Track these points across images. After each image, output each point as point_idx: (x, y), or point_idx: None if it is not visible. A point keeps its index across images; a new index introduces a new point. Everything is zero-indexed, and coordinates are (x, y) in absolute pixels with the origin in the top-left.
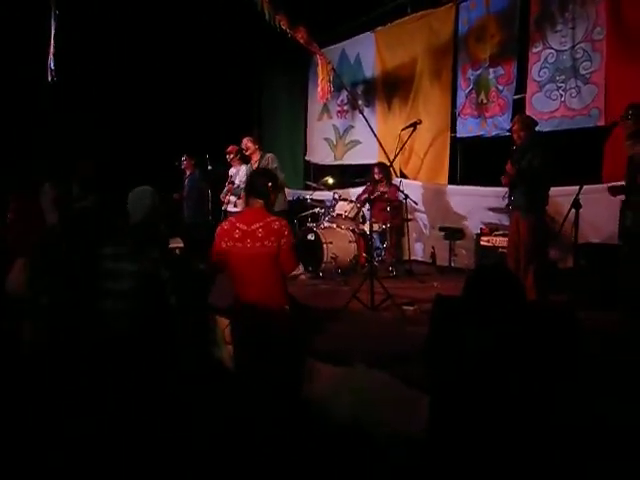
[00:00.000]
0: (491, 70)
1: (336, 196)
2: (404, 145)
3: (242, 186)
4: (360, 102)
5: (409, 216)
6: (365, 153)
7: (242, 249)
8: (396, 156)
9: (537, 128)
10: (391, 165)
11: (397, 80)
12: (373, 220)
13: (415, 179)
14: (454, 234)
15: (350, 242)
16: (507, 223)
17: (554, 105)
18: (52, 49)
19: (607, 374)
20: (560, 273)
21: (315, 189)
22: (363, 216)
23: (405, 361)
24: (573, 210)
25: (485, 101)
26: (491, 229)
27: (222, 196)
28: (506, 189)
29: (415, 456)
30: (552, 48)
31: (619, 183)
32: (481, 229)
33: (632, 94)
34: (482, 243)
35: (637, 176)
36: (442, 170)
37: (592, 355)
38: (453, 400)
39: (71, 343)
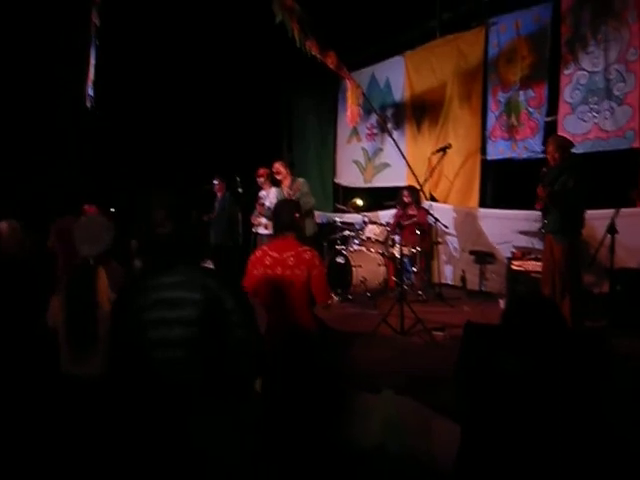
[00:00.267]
0: (522, 92)
1: (365, 219)
2: (434, 169)
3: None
4: (389, 125)
5: (439, 239)
6: (394, 176)
7: (272, 276)
8: (426, 180)
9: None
10: (421, 188)
11: (426, 103)
12: (403, 243)
13: (445, 202)
14: (485, 258)
15: (379, 265)
16: (539, 247)
17: (587, 127)
18: (91, 77)
19: None
20: (595, 299)
21: (344, 212)
22: (393, 239)
23: (435, 388)
24: (609, 235)
25: (516, 123)
26: (523, 253)
27: (252, 218)
28: (538, 212)
29: None
30: (584, 69)
31: None
32: (512, 253)
33: None
34: (514, 267)
35: None
36: (472, 193)
37: (625, 383)
38: (486, 430)
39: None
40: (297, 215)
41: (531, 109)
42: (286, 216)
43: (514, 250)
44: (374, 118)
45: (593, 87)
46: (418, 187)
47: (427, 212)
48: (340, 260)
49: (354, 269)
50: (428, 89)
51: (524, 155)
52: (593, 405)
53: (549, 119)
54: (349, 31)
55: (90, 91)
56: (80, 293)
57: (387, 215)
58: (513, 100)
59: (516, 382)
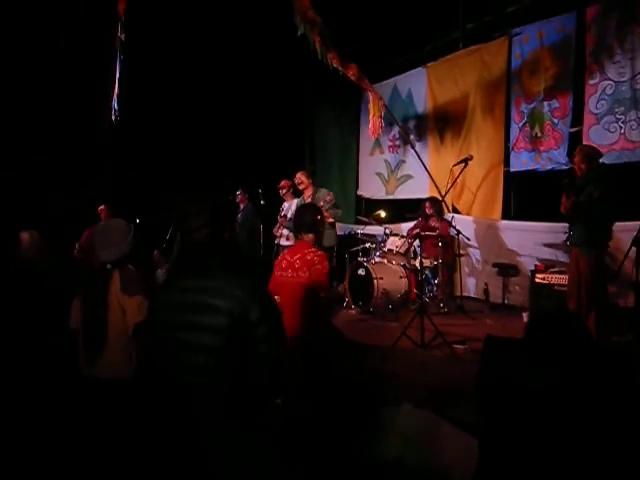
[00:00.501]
0: (546, 103)
1: (387, 231)
2: (455, 181)
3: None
4: (412, 137)
5: (461, 252)
6: (417, 188)
7: (285, 278)
8: (447, 192)
9: None
10: (443, 200)
11: (449, 114)
12: (424, 256)
13: (468, 214)
14: (508, 270)
15: (401, 278)
16: (563, 259)
17: (613, 138)
18: (116, 91)
19: None
20: (621, 313)
21: (366, 224)
22: (414, 251)
23: (455, 401)
24: (634, 247)
25: (540, 135)
26: (546, 266)
27: (275, 230)
28: (563, 224)
29: None
30: (610, 79)
31: None
32: (536, 266)
33: None
34: (537, 280)
35: None
36: (495, 205)
37: None
38: (505, 445)
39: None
40: (318, 218)
41: (555, 120)
42: (307, 217)
43: (537, 263)
44: (396, 130)
45: (619, 97)
46: (440, 199)
47: (449, 224)
48: (361, 272)
49: (375, 281)
50: (450, 100)
51: (548, 167)
52: (618, 422)
53: (574, 130)
54: (371, 43)
55: (115, 105)
56: (94, 296)
57: (409, 227)
58: (537, 111)
59: (537, 397)
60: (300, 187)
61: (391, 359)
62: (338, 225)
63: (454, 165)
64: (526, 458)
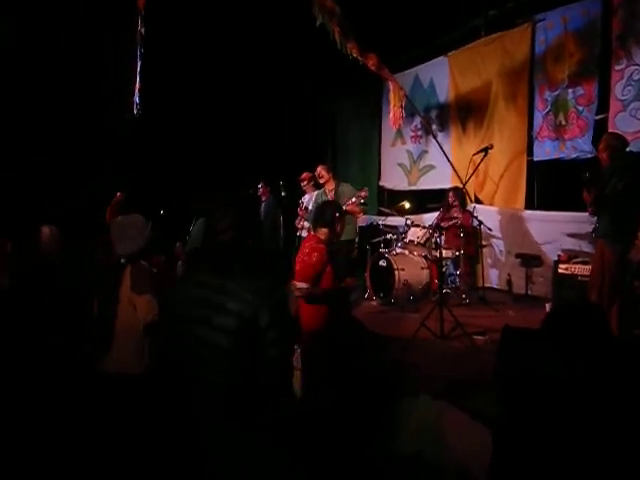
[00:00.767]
0: (570, 90)
1: (408, 222)
2: (476, 169)
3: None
4: (434, 127)
5: (484, 242)
6: (439, 178)
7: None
8: (468, 179)
9: None
10: (464, 188)
11: (471, 104)
12: (446, 246)
13: (490, 204)
14: (531, 261)
15: (422, 269)
16: (588, 250)
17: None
18: (138, 85)
19: None
20: None
21: (388, 215)
22: (436, 242)
23: (474, 393)
24: None
25: (564, 123)
26: (570, 256)
27: (296, 222)
28: (587, 214)
29: None
30: (637, 65)
31: None
32: (559, 256)
33: None
34: (560, 271)
35: None
36: (518, 195)
37: None
38: (522, 436)
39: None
40: (337, 215)
41: (580, 107)
42: (327, 213)
43: (561, 253)
44: (418, 120)
45: None
46: (463, 189)
47: (471, 214)
48: (382, 263)
49: (396, 272)
50: (473, 89)
51: (573, 155)
52: (637, 416)
53: (599, 117)
54: (392, 32)
55: (137, 99)
56: (106, 291)
57: (431, 218)
58: (561, 99)
59: (555, 388)
60: (321, 181)
61: (411, 350)
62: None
63: (474, 154)
64: (543, 450)
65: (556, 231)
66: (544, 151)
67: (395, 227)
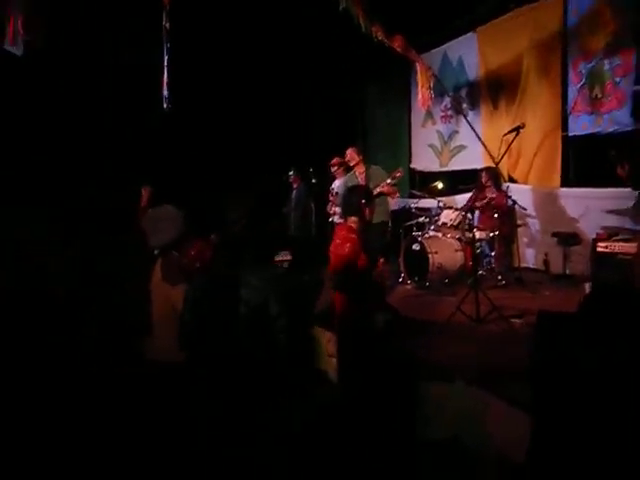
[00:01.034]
0: (606, 61)
1: (441, 204)
2: (508, 148)
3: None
4: (464, 106)
5: (519, 222)
6: (471, 158)
7: (330, 263)
8: (501, 159)
9: None
10: (497, 167)
11: (502, 80)
12: (481, 227)
13: (525, 183)
14: (568, 240)
15: (456, 251)
16: (629, 227)
17: None
18: (166, 79)
19: None
20: None
21: (420, 197)
22: (470, 224)
23: (509, 378)
24: None
25: (600, 95)
26: (609, 234)
27: (328, 208)
28: (627, 189)
29: None
30: None
31: None
32: (597, 234)
33: None
34: (599, 249)
35: None
36: (554, 172)
37: None
38: (559, 426)
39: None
40: (363, 202)
41: (617, 78)
42: (351, 200)
43: (600, 231)
44: (448, 99)
45: None
46: (496, 168)
47: (505, 194)
48: (416, 247)
49: (430, 256)
50: (503, 65)
51: (610, 129)
52: None
53: (638, 88)
54: (417, 11)
55: (166, 92)
56: (138, 282)
57: (464, 199)
58: (597, 70)
59: (591, 379)
60: (351, 164)
61: (446, 335)
62: (390, 200)
63: (505, 134)
64: (579, 441)
65: (594, 208)
66: (580, 126)
67: (428, 210)
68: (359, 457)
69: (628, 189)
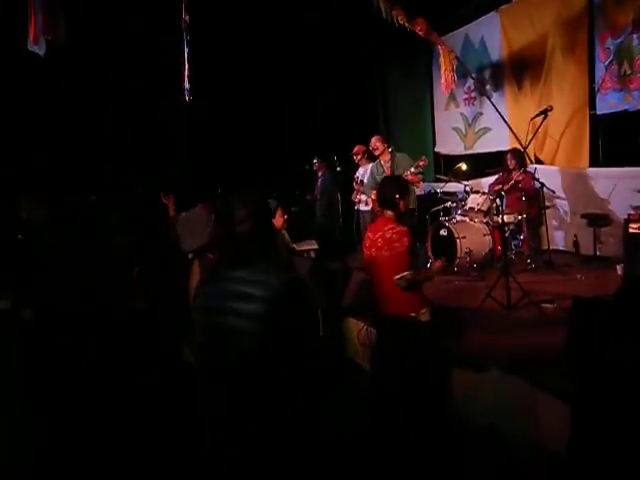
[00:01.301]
0: (635, 36)
1: (467, 189)
2: (537, 131)
3: (367, 184)
4: (488, 87)
5: (547, 203)
6: (496, 140)
7: (370, 257)
8: (529, 142)
9: None
10: (525, 150)
11: (526, 59)
12: (508, 211)
13: (552, 164)
14: (598, 221)
15: (484, 235)
16: None
17: None
18: (187, 72)
19: None
20: None
21: (446, 182)
22: (497, 208)
23: (543, 366)
24: None
25: (629, 72)
26: None
27: (353, 196)
28: None
29: (556, 471)
30: None
31: None
32: (629, 215)
33: None
34: (631, 231)
35: None
36: (582, 152)
37: None
38: (601, 416)
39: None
40: (397, 196)
41: None
42: (386, 193)
43: (631, 211)
44: (471, 81)
45: None
46: (522, 149)
47: (532, 176)
48: (443, 232)
49: (458, 241)
50: (527, 44)
51: None
52: None
53: None
54: None
55: (187, 85)
56: (176, 286)
57: (489, 182)
58: (625, 46)
59: (630, 368)
60: (376, 153)
61: (477, 322)
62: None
63: (532, 118)
64: (621, 430)
65: (625, 188)
66: (608, 104)
67: (454, 194)
68: (392, 446)
69: None
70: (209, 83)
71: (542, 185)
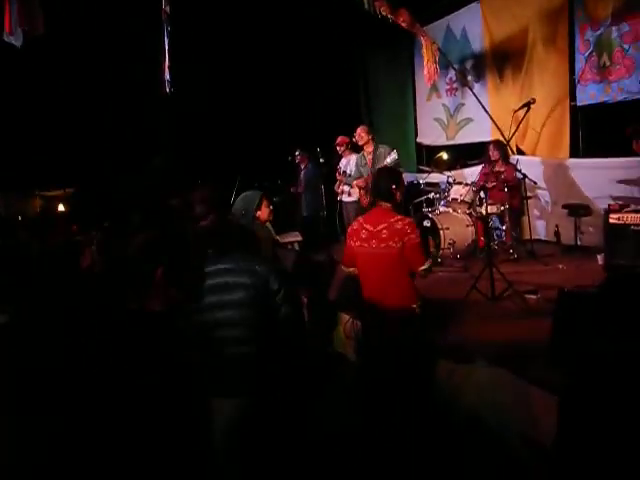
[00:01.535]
0: (614, 28)
1: (450, 180)
2: (519, 125)
3: (353, 175)
4: (469, 78)
5: (529, 194)
6: (478, 131)
7: (368, 249)
8: (513, 135)
9: None
10: (507, 143)
11: (508, 50)
12: (491, 202)
13: (533, 154)
14: (579, 211)
15: (467, 226)
16: (638, 196)
17: None
18: (167, 63)
19: None
20: None
21: (429, 172)
22: (481, 199)
23: (528, 357)
24: None
25: (608, 63)
26: (621, 205)
27: (336, 187)
28: (638, 159)
29: (544, 463)
30: None
31: None
32: (609, 205)
33: None
34: (611, 221)
35: None
36: (562, 143)
37: None
38: (587, 409)
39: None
40: (394, 187)
41: (626, 46)
42: (382, 185)
43: (611, 202)
44: (453, 72)
45: None
46: (504, 141)
47: (514, 167)
48: (427, 224)
49: (441, 232)
50: (508, 35)
51: (619, 98)
52: None
53: None
54: None
55: (167, 76)
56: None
57: (473, 173)
58: (604, 38)
59: (616, 362)
60: (360, 143)
61: (462, 313)
62: None
63: (516, 110)
64: (608, 423)
65: (604, 179)
66: (588, 95)
67: (437, 184)
68: (379, 438)
69: (637, 158)
70: (190, 74)
71: (524, 176)
